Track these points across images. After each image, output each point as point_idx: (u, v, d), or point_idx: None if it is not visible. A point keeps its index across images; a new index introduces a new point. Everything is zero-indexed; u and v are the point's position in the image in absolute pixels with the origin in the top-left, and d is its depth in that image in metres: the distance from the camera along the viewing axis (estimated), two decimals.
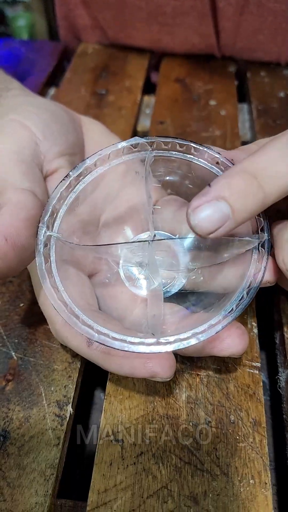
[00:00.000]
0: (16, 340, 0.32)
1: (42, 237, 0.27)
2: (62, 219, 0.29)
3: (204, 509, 0.25)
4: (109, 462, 0.27)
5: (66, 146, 0.33)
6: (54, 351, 0.32)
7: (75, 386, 0.30)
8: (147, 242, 0.30)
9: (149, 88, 0.61)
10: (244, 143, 0.52)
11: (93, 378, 0.38)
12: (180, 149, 0.30)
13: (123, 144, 0.30)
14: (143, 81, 0.59)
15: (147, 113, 0.56)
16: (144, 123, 0.54)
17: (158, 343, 0.25)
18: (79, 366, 0.31)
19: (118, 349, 0.25)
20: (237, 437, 0.28)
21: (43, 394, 0.30)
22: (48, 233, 0.27)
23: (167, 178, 0.33)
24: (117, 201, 0.33)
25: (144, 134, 0.54)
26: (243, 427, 0.28)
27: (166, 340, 0.26)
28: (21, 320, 0.33)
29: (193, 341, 0.25)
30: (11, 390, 0.30)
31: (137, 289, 0.32)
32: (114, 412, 0.29)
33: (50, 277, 0.27)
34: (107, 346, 0.25)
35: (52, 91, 0.60)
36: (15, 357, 0.31)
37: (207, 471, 0.27)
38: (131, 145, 0.30)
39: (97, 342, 0.25)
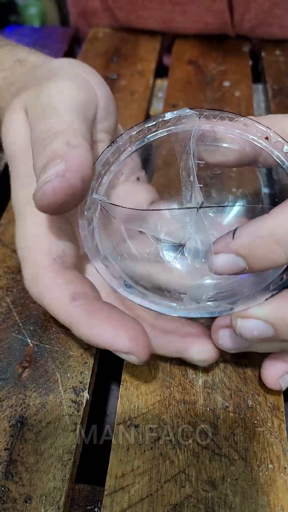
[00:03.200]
0: (31, 327, 0.32)
1: (86, 199, 0.27)
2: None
3: (222, 493, 0.25)
4: (126, 447, 0.27)
5: (111, 125, 0.33)
6: (69, 338, 0.32)
7: (91, 372, 0.30)
8: (195, 209, 0.29)
9: (161, 71, 0.60)
10: None
11: (109, 364, 0.38)
12: (230, 122, 0.29)
13: (170, 114, 0.29)
14: (155, 64, 0.58)
15: (160, 97, 0.55)
16: (157, 107, 0.53)
17: (199, 308, 0.25)
18: (94, 353, 0.31)
19: (162, 313, 0.25)
20: (255, 422, 0.28)
21: (59, 381, 0.30)
22: (93, 196, 0.27)
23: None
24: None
25: None
26: (261, 412, 0.28)
27: (205, 305, 0.25)
28: (36, 307, 0.33)
29: (226, 312, 0.25)
30: (27, 377, 0.30)
31: (176, 265, 0.31)
32: (131, 397, 0.29)
33: (93, 239, 0.27)
34: (152, 310, 0.25)
35: None
36: (31, 344, 0.32)
37: (225, 456, 0.26)
38: (179, 115, 0.29)
39: (141, 306, 0.25)
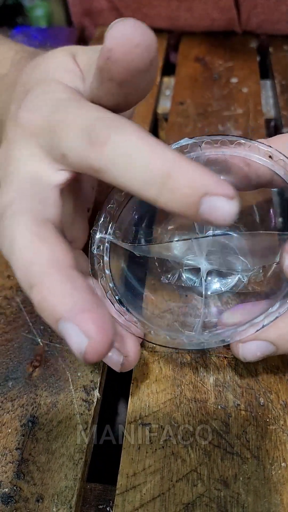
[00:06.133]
0: (42, 327, 0.32)
1: (94, 239, 0.29)
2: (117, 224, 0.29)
3: (235, 492, 0.25)
4: (137, 446, 0.27)
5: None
6: None
7: (101, 371, 0.30)
8: (190, 240, 0.30)
9: (168, 69, 0.60)
10: (268, 120, 0.50)
11: None
12: (232, 146, 0.29)
13: (174, 146, 0.29)
14: (162, 62, 0.57)
15: (167, 95, 0.55)
16: (164, 105, 0.53)
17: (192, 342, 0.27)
18: None
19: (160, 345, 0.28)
20: (267, 420, 0.27)
21: (70, 380, 0.30)
22: (100, 236, 0.29)
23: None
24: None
25: (164, 116, 0.53)
26: (273, 410, 0.28)
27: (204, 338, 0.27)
28: None
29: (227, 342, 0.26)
30: (38, 376, 0.30)
31: (195, 290, 0.32)
32: (141, 396, 0.29)
33: (101, 276, 0.28)
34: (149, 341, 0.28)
35: None
36: (41, 344, 0.32)
37: (237, 454, 0.26)
38: (181, 146, 0.29)
39: (142, 338, 0.28)
